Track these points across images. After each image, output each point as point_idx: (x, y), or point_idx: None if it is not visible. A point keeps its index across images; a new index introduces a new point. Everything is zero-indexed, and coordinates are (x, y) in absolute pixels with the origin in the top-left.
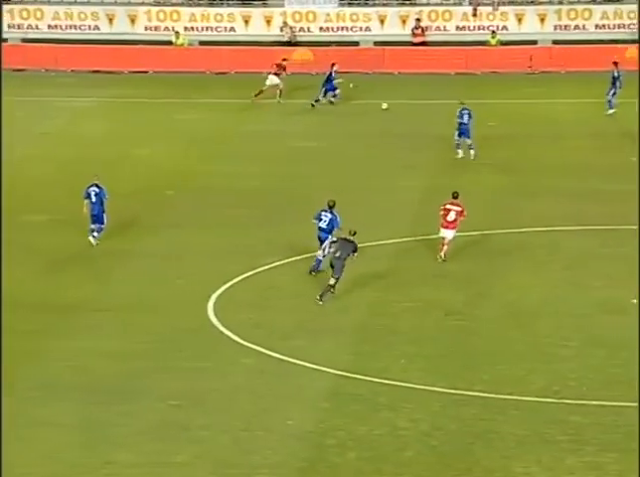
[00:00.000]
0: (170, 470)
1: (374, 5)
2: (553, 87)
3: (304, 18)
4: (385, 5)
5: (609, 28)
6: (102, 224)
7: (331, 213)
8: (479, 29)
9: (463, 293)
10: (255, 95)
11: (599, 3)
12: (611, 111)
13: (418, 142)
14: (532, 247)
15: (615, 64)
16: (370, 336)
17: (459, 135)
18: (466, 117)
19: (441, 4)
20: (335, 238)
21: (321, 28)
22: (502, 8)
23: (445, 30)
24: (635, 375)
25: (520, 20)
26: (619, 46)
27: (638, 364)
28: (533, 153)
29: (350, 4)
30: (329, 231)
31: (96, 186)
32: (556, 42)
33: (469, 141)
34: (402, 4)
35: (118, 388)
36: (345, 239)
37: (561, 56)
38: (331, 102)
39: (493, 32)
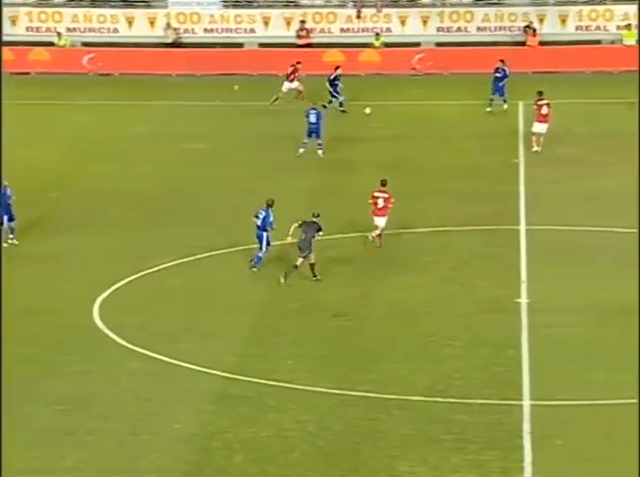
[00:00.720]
0: (55, 476)
1: (258, 7)
2: (437, 89)
3: (188, 19)
4: (269, 7)
5: (491, 30)
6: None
7: (266, 211)
8: (363, 31)
9: (349, 294)
10: (272, 102)
11: (481, 5)
12: (489, 109)
13: (292, 144)
14: (417, 248)
15: (502, 61)
16: (257, 337)
17: (309, 135)
18: (313, 118)
19: (325, 6)
20: (299, 222)
21: (205, 29)
22: (385, 10)
23: (330, 32)
24: (518, 374)
25: (403, 22)
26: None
27: (638, 363)
28: (418, 154)
29: (234, 6)
30: (263, 228)
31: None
32: (438, 44)
33: (319, 141)
34: (287, 6)
35: (5, 394)
36: (308, 222)
37: (445, 58)
38: (342, 110)
39: (377, 34)
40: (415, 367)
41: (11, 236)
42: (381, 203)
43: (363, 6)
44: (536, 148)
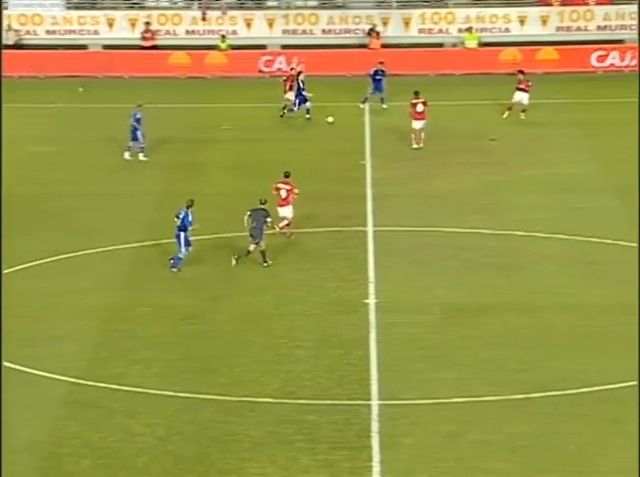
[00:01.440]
0: None
1: (102, 8)
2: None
3: (30, 21)
4: (113, 8)
5: (336, 33)
6: None
7: (185, 212)
8: (209, 33)
9: (198, 297)
10: (282, 113)
11: (326, 8)
12: (362, 106)
13: (151, 146)
14: (267, 249)
15: (381, 63)
16: (106, 342)
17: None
18: (134, 120)
19: (170, 8)
20: (249, 212)
21: (48, 31)
22: (231, 12)
23: (175, 34)
24: (367, 374)
25: (249, 24)
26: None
27: (638, 361)
28: (266, 156)
29: (77, 7)
30: (182, 228)
31: None
32: (284, 46)
33: (136, 144)
34: (131, 7)
35: None
36: (256, 209)
37: (290, 59)
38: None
39: (223, 36)
40: (266, 369)
41: None
42: (284, 193)
43: (208, 8)
44: (415, 145)
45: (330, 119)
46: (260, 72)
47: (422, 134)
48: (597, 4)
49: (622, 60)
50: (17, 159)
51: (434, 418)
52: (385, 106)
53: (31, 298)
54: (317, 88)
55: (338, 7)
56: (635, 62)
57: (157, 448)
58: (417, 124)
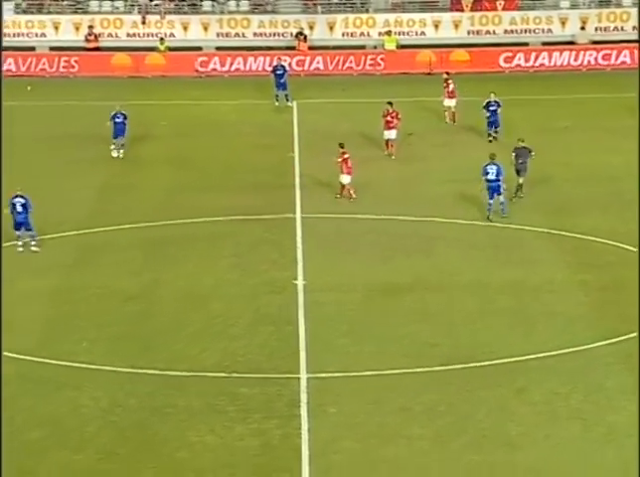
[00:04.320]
0: None
1: (48, 13)
2: (218, 90)
3: None
4: (59, 13)
5: (266, 36)
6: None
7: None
8: (148, 36)
9: (140, 280)
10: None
11: (257, 13)
12: (277, 104)
13: (87, 143)
14: (202, 237)
15: (279, 58)
16: (55, 322)
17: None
18: (120, 118)
19: (112, 12)
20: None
21: None
22: (169, 17)
23: (117, 36)
24: (296, 349)
25: (185, 28)
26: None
27: (638, 359)
28: (201, 151)
29: (25, 12)
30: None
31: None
32: (218, 48)
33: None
34: (75, 12)
35: None
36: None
37: (224, 61)
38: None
39: (161, 39)
40: (204, 346)
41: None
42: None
43: (147, 12)
44: (387, 153)
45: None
46: (196, 71)
47: (394, 145)
48: (504, 10)
49: (527, 61)
50: None
51: (357, 389)
52: (289, 104)
53: None
54: (245, 88)
55: (268, 12)
56: (539, 62)
57: (102, 419)
58: (390, 134)
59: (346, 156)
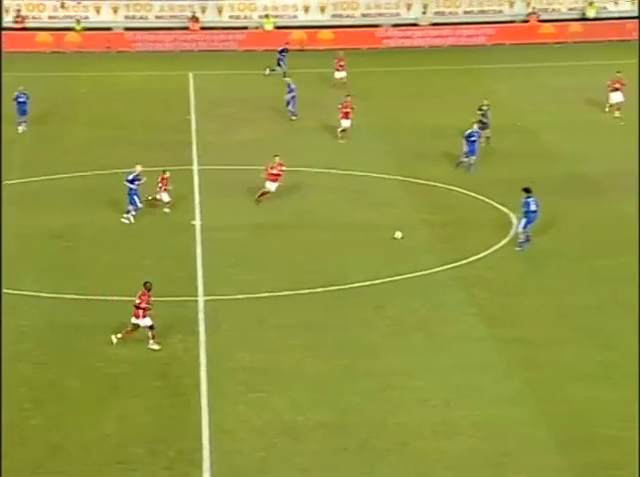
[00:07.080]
0: None
1: None
2: (127, 63)
3: None
4: None
5: (165, 18)
6: None
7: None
8: (67, 18)
9: (66, 222)
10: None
11: None
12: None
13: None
14: (116, 186)
15: (286, 43)
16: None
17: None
18: (23, 98)
19: None
20: None
21: None
22: (84, 2)
23: (40, 18)
24: (195, 278)
25: (98, 11)
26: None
27: (638, 358)
28: (116, 113)
29: None
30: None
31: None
32: (127, 28)
33: (24, 118)
34: None
35: None
36: None
37: (132, 39)
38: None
39: (78, 20)
40: (118, 274)
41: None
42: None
43: None
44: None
45: (398, 235)
46: (108, 48)
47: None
48: None
49: (381, 40)
50: None
51: (246, 309)
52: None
53: None
54: (149, 62)
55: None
56: (390, 40)
57: (34, 335)
58: (345, 123)
59: None
